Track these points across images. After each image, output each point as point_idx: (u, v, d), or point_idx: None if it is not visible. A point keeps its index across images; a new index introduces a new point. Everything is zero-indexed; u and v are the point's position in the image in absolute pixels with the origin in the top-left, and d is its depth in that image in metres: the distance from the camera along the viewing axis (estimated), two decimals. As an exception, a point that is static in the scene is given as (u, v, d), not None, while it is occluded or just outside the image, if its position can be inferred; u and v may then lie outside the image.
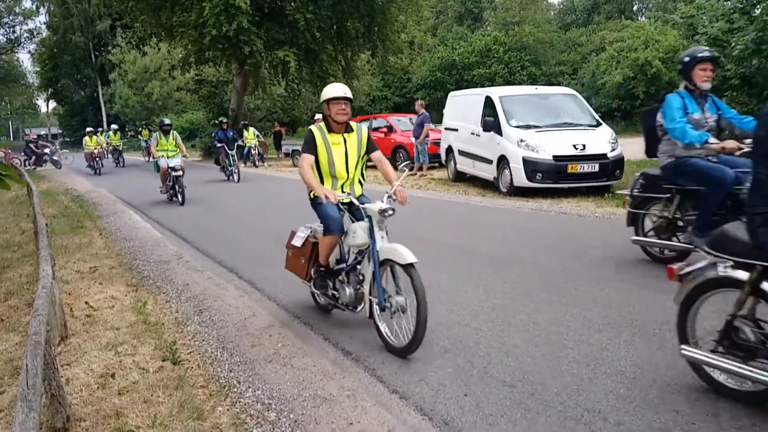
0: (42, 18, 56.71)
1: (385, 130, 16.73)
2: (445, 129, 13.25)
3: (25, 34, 54.83)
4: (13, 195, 14.05)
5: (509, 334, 3.83)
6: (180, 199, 11.17)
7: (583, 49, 36.73)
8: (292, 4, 19.88)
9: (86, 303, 4.96)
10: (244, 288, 5.40)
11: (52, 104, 61.55)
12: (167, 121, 12.01)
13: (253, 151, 20.06)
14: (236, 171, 15.17)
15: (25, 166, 25.02)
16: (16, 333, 4.39)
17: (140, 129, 28.46)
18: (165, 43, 31.06)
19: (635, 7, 45.78)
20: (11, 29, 54.13)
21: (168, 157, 11.38)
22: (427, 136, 13.89)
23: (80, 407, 3.15)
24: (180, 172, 11.14)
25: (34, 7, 50.79)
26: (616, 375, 3.15)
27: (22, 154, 26.78)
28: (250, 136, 20.28)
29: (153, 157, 11.57)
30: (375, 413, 2.95)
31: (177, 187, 11.22)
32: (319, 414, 2.98)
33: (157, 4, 20.94)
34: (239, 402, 3.17)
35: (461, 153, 12.23)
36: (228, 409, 3.09)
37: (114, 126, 25.59)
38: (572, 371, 3.23)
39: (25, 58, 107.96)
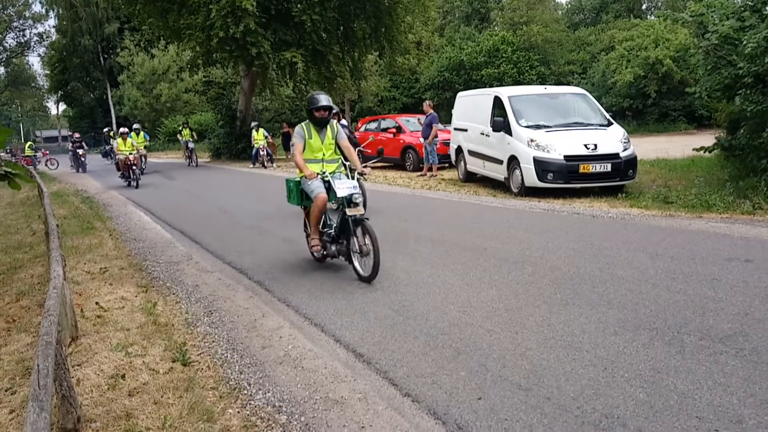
0: (51, 21, 57.41)
1: (393, 130, 16.70)
2: (455, 129, 13.19)
3: (35, 38, 55.59)
4: (25, 196, 14.16)
5: (523, 336, 3.77)
6: (365, 271, 5.23)
7: (593, 48, 36.50)
8: (299, 5, 19.89)
9: (97, 304, 4.96)
10: (254, 289, 5.37)
11: (62, 106, 62.12)
12: (324, 99, 5.55)
13: (261, 152, 20.09)
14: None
15: (76, 168, 24.00)
16: (27, 333, 4.40)
17: (180, 128, 26.03)
18: (173, 46, 31.24)
19: (644, 6, 45.42)
20: (21, 33, 54.86)
21: (328, 173, 5.58)
22: (436, 136, 13.83)
23: (91, 408, 3.13)
24: (360, 210, 5.31)
25: (43, 11, 51.37)
26: (635, 379, 3.08)
27: (69, 157, 25.68)
28: (260, 137, 20.34)
29: (302, 174, 5.60)
30: (387, 417, 2.91)
31: (359, 242, 5.24)
32: (331, 417, 2.94)
33: (165, 7, 21.04)
34: (250, 404, 3.14)
35: (471, 153, 12.16)
36: (238, 412, 3.06)
37: (136, 126, 21.40)
38: (589, 375, 3.17)
39: (35, 61, 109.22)
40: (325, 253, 5.70)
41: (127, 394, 3.30)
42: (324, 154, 5.66)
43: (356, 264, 5.36)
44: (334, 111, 5.82)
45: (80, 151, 24.00)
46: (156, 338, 4.12)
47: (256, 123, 21.48)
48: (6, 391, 3.47)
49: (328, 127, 5.67)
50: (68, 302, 4.00)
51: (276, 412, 3.04)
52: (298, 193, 5.82)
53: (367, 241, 5.13)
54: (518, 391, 3.04)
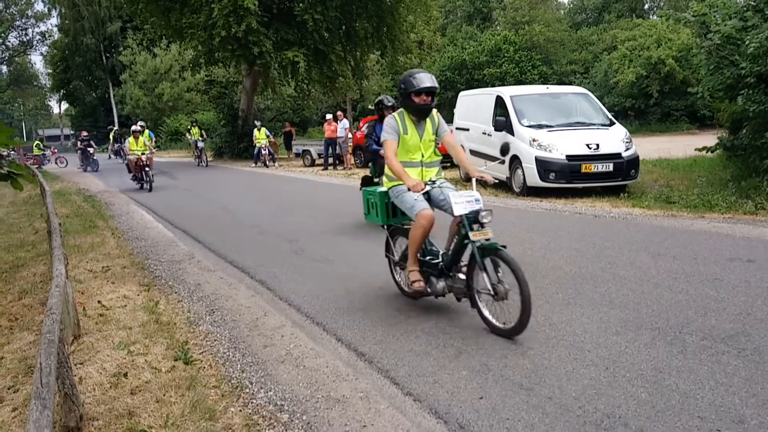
0: (54, 20, 57.52)
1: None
2: (456, 129, 13.18)
3: (38, 37, 55.68)
4: (27, 195, 14.18)
5: (525, 335, 3.76)
6: (502, 320, 3.79)
7: (595, 48, 36.48)
8: (301, 5, 19.92)
9: (99, 302, 4.97)
10: (255, 288, 5.37)
11: (64, 105, 62.20)
12: (427, 79, 4.11)
13: (263, 151, 19.99)
14: None
15: (84, 167, 22.86)
16: (30, 332, 4.41)
17: (189, 127, 24.74)
18: (175, 45, 31.27)
19: (646, 6, 45.36)
20: (24, 32, 54.96)
21: (438, 182, 4.33)
22: (438, 135, 13.82)
23: (93, 406, 3.14)
24: (489, 233, 3.89)
25: (45, 9, 51.49)
26: (637, 379, 3.08)
27: (78, 156, 24.27)
28: (261, 136, 20.22)
29: (393, 184, 4.31)
30: (389, 416, 2.91)
31: (490, 279, 3.74)
32: (332, 416, 2.94)
33: (167, 6, 21.09)
34: (251, 403, 3.14)
35: (473, 153, 12.13)
36: (240, 410, 3.06)
37: (141, 123, 19.16)
38: (590, 374, 3.17)
39: (37, 59, 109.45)
40: (429, 290, 4.20)
41: (129, 392, 3.30)
42: (423, 155, 4.25)
43: (485, 311, 3.89)
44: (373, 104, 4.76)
45: (90, 150, 23.18)
46: (158, 337, 4.13)
47: (259, 122, 21.32)
48: (9, 389, 3.48)
49: (428, 118, 4.24)
50: (70, 301, 4.01)
51: (278, 410, 3.04)
52: (384, 208, 4.47)
53: (503, 276, 3.68)
54: (520, 391, 3.04)
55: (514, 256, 3.69)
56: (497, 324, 3.81)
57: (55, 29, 52.26)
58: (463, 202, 3.88)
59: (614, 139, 9.61)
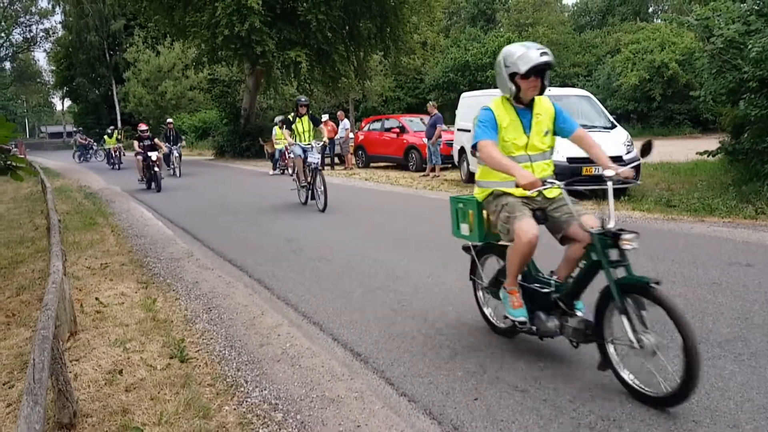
0: (58, 17, 57.76)
1: (397, 130, 16.71)
2: (458, 130, 13.18)
3: (41, 33, 56.06)
4: (28, 191, 14.22)
5: (521, 337, 3.75)
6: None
7: (598, 50, 36.49)
8: (304, 4, 19.92)
9: (96, 299, 4.97)
10: (253, 286, 5.37)
11: (67, 102, 62.39)
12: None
13: (287, 154, 15.20)
14: None
15: (147, 182, 14.07)
16: (27, 328, 4.41)
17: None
18: (178, 43, 31.31)
19: (650, 9, 45.35)
20: (28, 28, 55.29)
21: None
22: (440, 137, 13.84)
23: (87, 403, 3.14)
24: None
25: (50, 6, 51.77)
26: (632, 382, 3.07)
27: (137, 164, 14.68)
28: (282, 138, 14.60)
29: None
30: (383, 416, 2.90)
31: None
32: (326, 415, 2.94)
33: (170, 4, 21.14)
34: (246, 401, 3.14)
35: (474, 154, 12.16)
36: (234, 409, 3.06)
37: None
38: (586, 377, 3.16)
39: (41, 56, 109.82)
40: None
41: (123, 389, 3.30)
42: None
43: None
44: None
45: (153, 156, 13.72)
46: (154, 334, 4.13)
47: (281, 118, 15.69)
48: (4, 385, 3.48)
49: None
50: (67, 297, 4.02)
51: (272, 409, 3.04)
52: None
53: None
54: (515, 393, 3.03)
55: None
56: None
57: (59, 26, 52.55)
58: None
59: (615, 142, 9.60)
